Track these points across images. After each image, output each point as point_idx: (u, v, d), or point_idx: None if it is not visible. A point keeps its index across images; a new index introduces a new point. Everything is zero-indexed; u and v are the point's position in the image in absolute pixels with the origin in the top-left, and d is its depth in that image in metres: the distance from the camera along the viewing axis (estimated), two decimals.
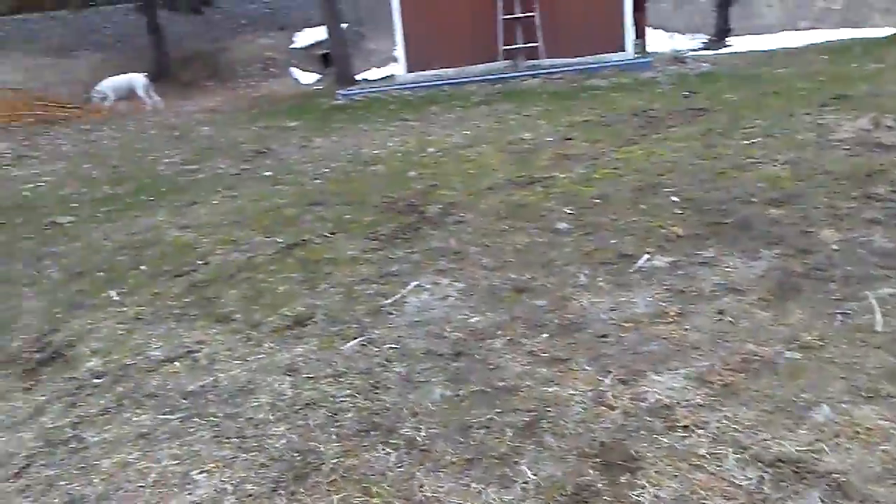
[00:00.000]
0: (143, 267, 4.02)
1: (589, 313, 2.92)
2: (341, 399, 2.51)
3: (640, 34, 11.89)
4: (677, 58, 8.95)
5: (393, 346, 2.83)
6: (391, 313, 3.10)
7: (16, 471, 2.34)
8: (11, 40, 21.57)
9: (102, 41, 21.36)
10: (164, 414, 2.57)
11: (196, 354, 2.96)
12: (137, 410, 2.61)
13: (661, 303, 2.93)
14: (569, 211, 3.98)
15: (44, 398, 2.80)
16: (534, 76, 8.17)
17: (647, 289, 3.05)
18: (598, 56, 8.71)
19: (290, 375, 2.70)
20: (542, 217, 3.94)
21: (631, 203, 3.96)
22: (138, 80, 12.12)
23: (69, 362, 3.06)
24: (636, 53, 9.08)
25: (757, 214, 3.62)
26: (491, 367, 2.63)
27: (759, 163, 4.38)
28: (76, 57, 20.86)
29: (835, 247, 3.19)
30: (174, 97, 16.42)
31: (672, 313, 2.84)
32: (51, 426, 2.59)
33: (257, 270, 3.71)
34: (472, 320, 2.95)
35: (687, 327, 2.74)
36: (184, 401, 2.63)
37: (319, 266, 3.66)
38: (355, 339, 2.91)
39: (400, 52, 9.13)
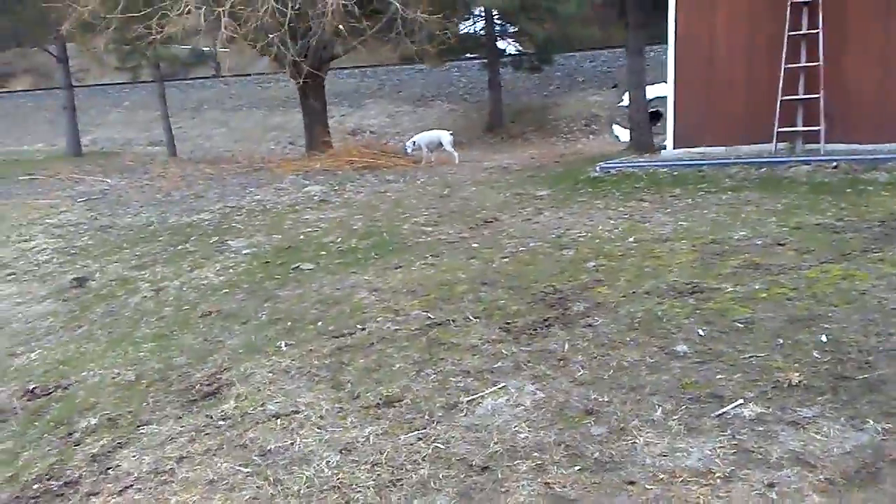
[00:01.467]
0: (319, 323, 4.71)
1: (634, 454, 2.85)
2: (358, 489, 2.83)
3: None
4: None
5: (439, 445, 3.06)
6: (462, 411, 3.32)
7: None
8: (383, 89, 25.22)
9: (454, 93, 23.93)
10: (238, 465, 3.12)
11: (296, 415, 3.49)
12: (222, 459, 3.20)
13: (715, 459, 2.75)
14: (701, 332, 3.77)
15: (177, 430, 3.54)
16: (806, 162, 7.46)
17: (714, 440, 2.88)
18: (891, 144, 7.63)
19: (340, 454, 3.09)
20: (671, 335, 3.80)
21: (771, 335, 3.63)
22: (445, 136, 13.48)
23: (216, 402, 3.80)
24: None
25: None
26: (503, 490, 2.74)
27: None
28: (431, 106, 23.66)
29: None
30: (493, 149, 17.88)
31: (718, 475, 2.66)
32: (161, 454, 3.31)
33: (392, 343, 4.16)
34: (521, 436, 3.05)
35: (722, 494, 2.56)
36: (258, 458, 3.15)
37: (440, 350, 3.98)
38: (413, 431, 3.20)
39: (669, 125, 8.98)
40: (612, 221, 6.39)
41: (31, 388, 4.52)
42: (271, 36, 11.88)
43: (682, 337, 3.75)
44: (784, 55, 8.09)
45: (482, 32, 19.90)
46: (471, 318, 4.39)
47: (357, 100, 24.51)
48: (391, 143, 16.52)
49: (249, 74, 25.81)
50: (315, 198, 9.69)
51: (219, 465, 3.12)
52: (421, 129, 21.89)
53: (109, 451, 3.42)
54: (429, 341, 4.11)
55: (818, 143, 8.04)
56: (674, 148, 8.87)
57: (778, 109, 8.11)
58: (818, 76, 8.00)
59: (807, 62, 8.10)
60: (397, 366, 3.86)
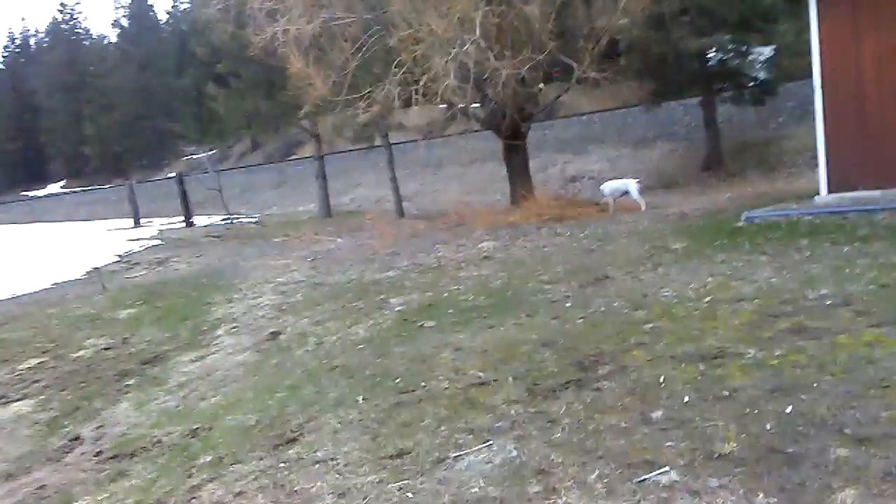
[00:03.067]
0: (398, 380, 5.57)
1: None
2: None
3: None
4: None
5: (409, 494, 3.76)
6: (445, 466, 3.97)
7: None
8: (606, 133, 25.63)
9: (676, 132, 23.61)
10: (269, 501, 4.09)
11: (332, 462, 4.38)
12: (263, 496, 4.19)
13: None
14: (686, 400, 4.04)
15: (252, 470, 4.60)
16: None
17: (622, 503, 3.25)
18: None
19: (338, 497, 3.91)
20: (658, 401, 4.10)
21: (745, 404, 3.81)
22: (631, 183, 13.72)
23: (289, 447, 4.81)
24: None
25: (827, 451, 3.20)
26: None
27: None
28: (651, 147, 23.63)
29: None
30: (705, 189, 17.53)
31: None
32: (231, 489, 4.38)
33: (435, 402, 4.90)
34: (472, 491, 3.64)
35: None
36: (284, 497, 4.09)
37: (466, 408, 4.64)
38: (400, 481, 3.92)
39: (821, 170, 8.53)
40: (710, 279, 6.48)
41: (193, 427, 5.92)
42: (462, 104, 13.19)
43: (666, 404, 4.04)
44: None
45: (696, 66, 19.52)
46: (510, 378, 4.97)
47: (580, 146, 25.15)
48: (582, 192, 16.94)
49: (478, 130, 27.72)
50: (483, 254, 10.60)
51: (258, 500, 4.11)
52: (639, 171, 22.01)
53: (202, 484, 4.56)
54: (463, 400, 4.79)
55: None
56: (827, 193, 8.43)
57: None
58: None
59: None
60: (426, 421, 4.59)
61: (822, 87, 8.48)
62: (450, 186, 26.44)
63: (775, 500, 2.96)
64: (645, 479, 3.35)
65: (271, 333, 8.70)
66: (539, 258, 9.35)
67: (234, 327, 9.70)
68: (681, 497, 3.14)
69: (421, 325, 7.16)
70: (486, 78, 13.02)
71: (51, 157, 69.43)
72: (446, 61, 12.09)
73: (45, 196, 57.06)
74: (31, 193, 61.48)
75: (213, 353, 8.64)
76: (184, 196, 21.96)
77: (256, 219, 24.25)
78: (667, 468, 3.39)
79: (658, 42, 17.82)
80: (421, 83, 12.88)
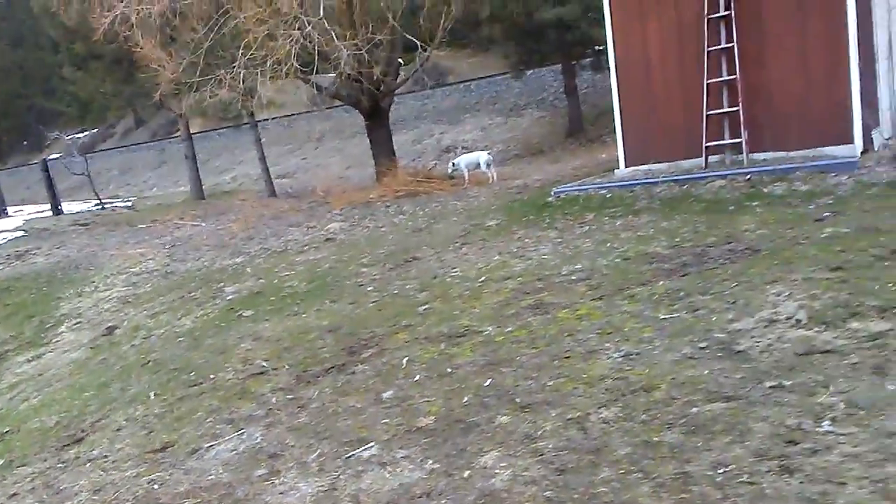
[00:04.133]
0: (192, 373, 5.88)
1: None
2: None
3: None
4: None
5: (156, 486, 4.11)
6: (199, 457, 4.32)
7: None
8: (480, 102, 26.14)
9: (545, 99, 24.36)
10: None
11: (99, 461, 4.69)
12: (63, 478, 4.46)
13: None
14: (416, 378, 4.52)
15: (38, 469, 4.86)
16: (724, 176, 7.55)
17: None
18: (818, 150, 7.48)
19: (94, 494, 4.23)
20: (393, 382, 4.57)
21: (458, 380, 4.31)
22: (483, 156, 14.25)
23: (80, 448, 5.08)
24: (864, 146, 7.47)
25: (494, 420, 3.72)
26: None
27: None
28: (522, 115, 24.31)
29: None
30: (564, 155, 18.28)
31: None
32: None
33: (212, 393, 5.24)
34: (209, 478, 4.03)
35: None
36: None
37: (235, 398, 5.01)
38: (150, 475, 4.27)
39: (619, 144, 9.23)
40: (497, 257, 7.04)
41: (3, 431, 6.07)
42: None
43: (399, 384, 4.52)
44: (706, 70, 8.17)
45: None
46: (286, 366, 5.37)
47: (456, 116, 25.61)
48: (436, 166, 17.44)
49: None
50: (327, 236, 10.93)
51: (26, 501, 4.38)
52: (510, 140, 22.67)
53: None
54: (239, 391, 5.16)
55: (741, 154, 8.07)
56: (625, 167, 9.14)
57: (704, 124, 8.19)
58: (738, 89, 8.00)
59: (727, 76, 8.12)
60: (198, 414, 4.93)
61: (616, 66, 9.12)
62: (331, 160, 26.48)
63: (439, 465, 3.46)
64: (351, 456, 3.81)
65: (108, 328, 8.82)
66: (372, 239, 9.76)
67: (77, 323, 9.73)
68: (371, 469, 3.61)
69: (240, 315, 7.46)
70: (333, 57, 13.19)
71: None
72: (290, 42, 12.21)
73: None
74: None
75: (50, 352, 8.70)
76: (49, 183, 21.26)
77: (131, 203, 23.73)
78: (371, 444, 3.86)
79: (515, 12, 18.37)
80: (268, 64, 12.95)
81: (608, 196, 8.27)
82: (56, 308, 10.67)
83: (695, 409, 3.24)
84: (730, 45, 8.06)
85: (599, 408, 3.52)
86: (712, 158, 8.34)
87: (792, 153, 7.74)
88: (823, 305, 3.97)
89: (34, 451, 5.18)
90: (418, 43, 13.60)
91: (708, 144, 8.26)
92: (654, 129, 8.89)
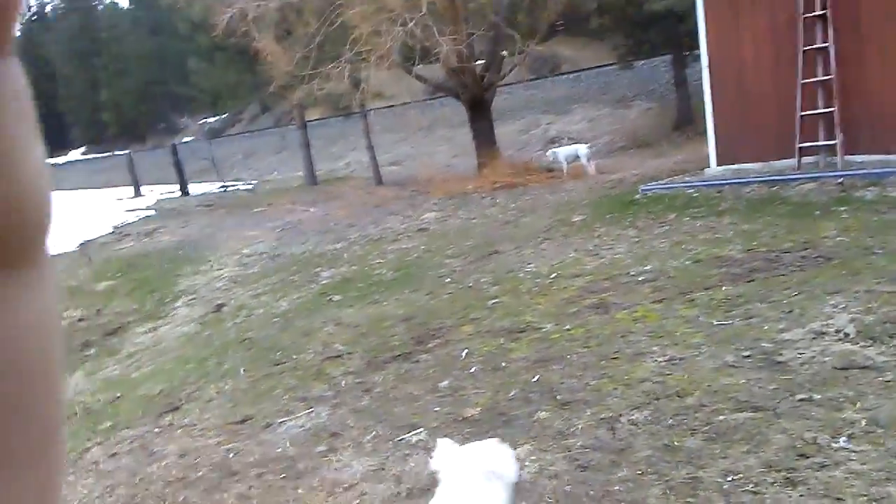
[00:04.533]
0: (279, 353, 6.37)
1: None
2: None
3: None
4: None
5: (231, 455, 4.57)
6: (272, 431, 4.76)
7: None
8: (589, 92, 25.89)
9: (656, 91, 23.82)
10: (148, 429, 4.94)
11: (189, 428, 5.22)
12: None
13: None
14: (472, 370, 4.78)
15: (139, 432, 5.47)
16: (815, 179, 7.30)
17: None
18: None
19: (180, 458, 4.75)
20: (451, 372, 4.85)
21: (510, 374, 4.53)
22: (582, 149, 14.21)
23: (176, 414, 5.67)
24: None
25: (534, 414, 3.93)
26: None
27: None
28: (630, 107, 23.90)
29: None
30: (670, 149, 17.90)
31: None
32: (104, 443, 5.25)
33: (293, 372, 5.68)
34: (276, 450, 4.44)
35: None
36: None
37: (311, 378, 5.43)
38: (228, 444, 4.74)
39: (710, 143, 9.04)
40: (573, 254, 7.15)
41: (116, 395, 6.79)
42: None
43: (456, 374, 4.79)
44: (800, 70, 7.88)
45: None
46: (359, 352, 5.75)
47: (564, 106, 25.45)
48: (532, 159, 17.45)
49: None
50: (420, 226, 11.31)
51: (123, 461, 4.96)
52: (616, 131, 22.39)
53: (91, 447, 5.43)
54: (315, 372, 5.58)
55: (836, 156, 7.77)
56: (716, 166, 8.96)
57: (798, 124, 7.91)
58: (833, 89, 7.69)
59: (822, 76, 7.80)
60: (277, 391, 5.39)
61: (709, 66, 8.94)
62: (439, 149, 26.93)
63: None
64: (402, 439, 4.12)
65: (217, 306, 9.55)
66: (461, 231, 10.05)
67: (192, 299, 10.56)
68: (416, 453, 3.90)
69: (329, 299, 7.94)
70: (435, 51, 13.54)
71: (70, 125, 70.65)
72: (391, 38, 12.65)
73: (66, 163, 58.52)
74: (52, 161, 62.87)
75: (166, 325, 9.52)
76: (178, 166, 22.82)
77: (252, 186, 25.10)
78: (421, 429, 4.15)
79: (625, 2, 18.11)
80: (371, 59, 13.47)
81: (694, 195, 8.18)
82: (175, 284, 11.59)
83: (721, 417, 3.33)
84: (826, 44, 7.76)
85: (632, 410, 3.66)
86: (806, 160, 8.07)
87: (892, 156, 7.39)
88: (875, 320, 3.91)
89: (137, 416, 5.80)
90: (517, 36, 13.71)
91: (801, 145, 8.00)
92: (747, 129, 8.68)
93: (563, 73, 27.89)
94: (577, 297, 5.74)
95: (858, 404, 3.14)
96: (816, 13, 7.89)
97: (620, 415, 3.63)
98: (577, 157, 14.19)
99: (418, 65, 13.64)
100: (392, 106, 23.17)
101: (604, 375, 4.14)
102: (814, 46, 7.90)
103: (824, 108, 7.87)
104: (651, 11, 18.07)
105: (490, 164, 15.70)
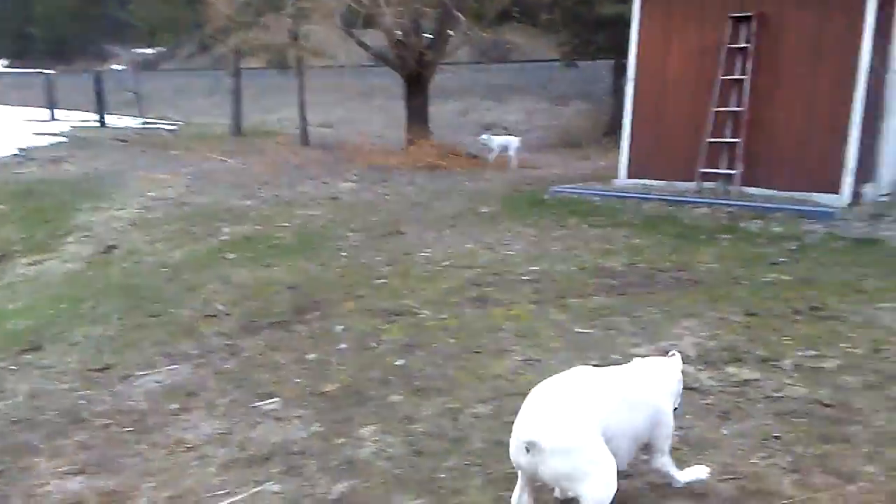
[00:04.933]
0: (156, 304, 6.26)
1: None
2: None
3: None
4: (879, 213, 6.90)
5: (83, 402, 4.49)
6: (129, 383, 4.68)
7: None
8: (530, 86, 26.10)
9: (594, 92, 24.21)
10: None
11: (48, 369, 5.09)
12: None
13: None
14: (342, 346, 4.81)
15: None
16: (710, 204, 7.67)
17: None
18: (807, 195, 7.53)
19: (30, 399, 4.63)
20: (320, 346, 4.88)
21: (377, 355, 4.60)
22: (514, 142, 14.44)
23: (29, 355, 5.50)
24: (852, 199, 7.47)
25: (388, 397, 4.00)
26: None
27: None
28: (567, 105, 24.23)
29: None
30: (592, 154, 18.25)
31: None
32: None
33: (163, 328, 5.61)
34: (129, 404, 4.39)
35: None
36: None
37: (182, 334, 5.37)
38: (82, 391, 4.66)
39: (623, 155, 9.32)
40: (470, 245, 7.28)
41: None
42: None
43: (325, 349, 4.83)
44: (715, 97, 8.22)
45: None
46: (237, 313, 5.71)
47: (505, 94, 25.61)
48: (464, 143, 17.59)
49: None
50: (335, 195, 11.25)
51: None
52: (551, 128, 22.68)
53: None
54: (188, 328, 5.51)
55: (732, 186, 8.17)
56: (626, 178, 9.25)
57: (705, 150, 8.26)
58: (741, 121, 8.06)
59: (735, 106, 8.16)
60: (146, 343, 5.30)
61: (634, 79, 9.19)
62: (374, 118, 26.70)
63: (323, 429, 3.76)
64: (256, 406, 4.14)
65: (108, 247, 9.26)
66: (371, 206, 10.05)
67: (86, 236, 10.21)
68: (266, 421, 3.93)
69: (223, 257, 7.83)
70: (379, 20, 13.42)
71: None
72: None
73: None
74: None
75: (52, 260, 9.18)
76: (99, 94, 21.93)
77: (176, 127, 24.33)
78: (276, 399, 4.18)
79: (577, 2, 18.34)
80: (313, 18, 13.24)
81: (599, 204, 8.43)
82: (71, 218, 11.16)
83: None
84: (743, 76, 8.08)
85: (478, 403, 3.78)
86: (707, 184, 8.42)
87: (782, 193, 7.80)
88: (716, 345, 4.15)
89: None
90: (462, 19, 13.71)
91: (703, 170, 8.35)
92: (659, 146, 8.98)
93: (508, 62, 28.02)
94: (460, 287, 5.85)
95: (675, 423, 3.34)
96: (740, 45, 8.19)
97: (466, 407, 3.75)
98: (506, 148, 14.36)
99: (361, 30, 13.44)
100: (331, 67, 22.78)
101: (463, 367, 4.26)
102: (732, 77, 8.21)
103: (731, 137, 8.22)
104: (600, 14, 18.36)
105: (418, 142, 15.71)
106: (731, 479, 2.89)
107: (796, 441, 3.15)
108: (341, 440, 3.61)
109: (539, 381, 3.92)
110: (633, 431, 2.63)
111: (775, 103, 8.01)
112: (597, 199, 8.62)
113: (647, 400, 2.71)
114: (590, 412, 2.48)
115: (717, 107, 8.29)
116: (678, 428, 3.08)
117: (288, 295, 6.07)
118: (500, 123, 23.55)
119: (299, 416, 3.94)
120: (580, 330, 4.68)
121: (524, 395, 3.76)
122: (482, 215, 8.83)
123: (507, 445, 3.30)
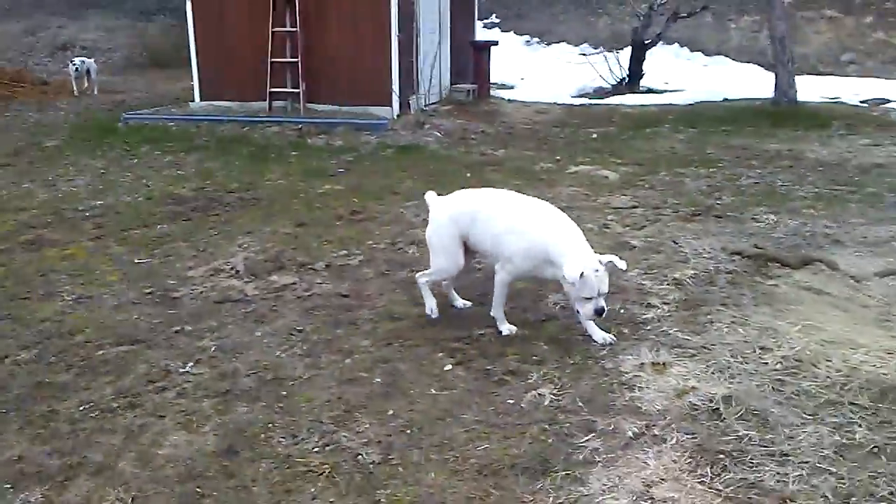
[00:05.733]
0: None
1: None
2: None
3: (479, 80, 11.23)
4: (421, 121, 8.33)
5: None
6: None
7: None
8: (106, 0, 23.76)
9: (181, 7, 22.99)
10: None
11: None
12: None
13: None
14: None
15: None
16: (280, 123, 8.16)
17: None
18: (366, 108, 8.51)
19: None
20: None
21: None
22: (92, 64, 13.33)
23: None
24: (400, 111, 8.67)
25: None
26: None
27: None
28: (153, 21, 22.66)
29: None
30: (176, 75, 17.44)
31: None
32: None
33: None
34: None
35: None
36: None
37: None
38: None
39: (195, 77, 9.35)
40: (27, 185, 6.76)
41: None
42: None
43: None
44: (271, 20, 8.63)
45: None
46: None
47: (78, 10, 23.07)
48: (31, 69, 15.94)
49: None
50: None
51: None
52: (135, 46, 21.20)
53: None
54: None
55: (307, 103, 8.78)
56: (200, 100, 9.29)
57: (269, 71, 8.68)
58: (298, 41, 8.63)
59: (290, 27, 8.68)
60: None
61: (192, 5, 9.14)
62: None
63: None
64: None
65: None
66: None
67: None
68: None
69: None
70: None
71: None
72: None
73: None
74: None
75: None
76: None
77: None
78: None
79: None
80: None
81: (174, 129, 8.32)
82: None
83: (100, 352, 3.58)
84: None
85: (21, 350, 3.69)
86: (277, 103, 8.82)
87: (345, 108, 8.52)
88: (264, 258, 4.57)
89: None
90: None
91: (271, 90, 8.71)
92: (229, 67, 9.09)
93: None
94: (13, 232, 5.45)
95: (217, 333, 3.68)
96: None
97: (7, 356, 3.64)
98: (88, 72, 13.20)
99: None
100: None
101: (7, 317, 4.08)
102: None
103: (290, 57, 8.65)
104: None
105: None
106: (253, 372, 3.30)
107: (315, 331, 3.69)
108: None
109: (87, 318, 3.98)
110: None
111: (326, 25, 8.60)
112: (172, 124, 8.48)
113: None
114: None
115: (274, 27, 8.63)
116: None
117: None
118: (77, 43, 21.37)
119: None
120: (139, 260, 4.75)
121: (71, 333, 3.82)
122: (47, 150, 8.16)
123: (48, 386, 3.36)
